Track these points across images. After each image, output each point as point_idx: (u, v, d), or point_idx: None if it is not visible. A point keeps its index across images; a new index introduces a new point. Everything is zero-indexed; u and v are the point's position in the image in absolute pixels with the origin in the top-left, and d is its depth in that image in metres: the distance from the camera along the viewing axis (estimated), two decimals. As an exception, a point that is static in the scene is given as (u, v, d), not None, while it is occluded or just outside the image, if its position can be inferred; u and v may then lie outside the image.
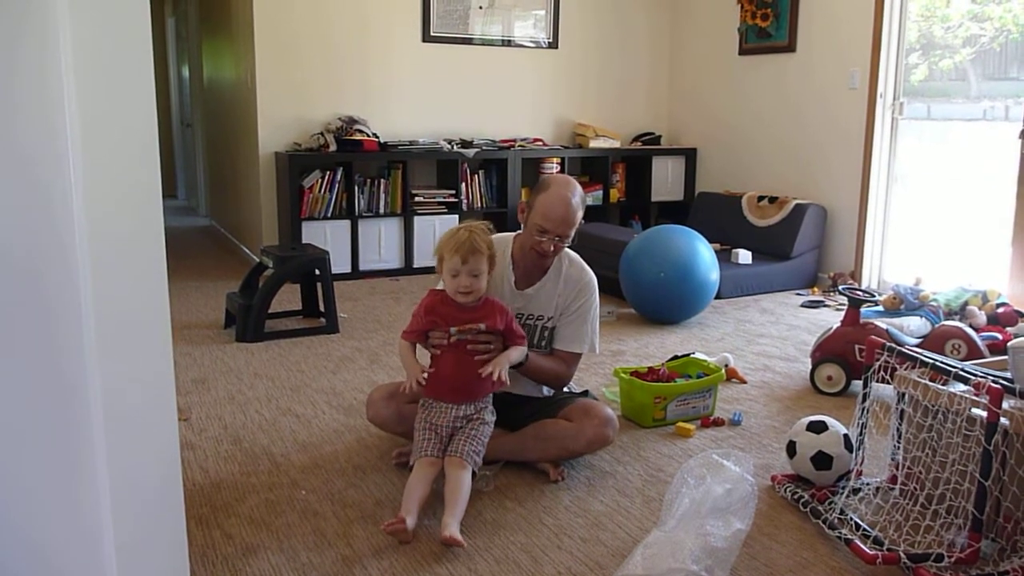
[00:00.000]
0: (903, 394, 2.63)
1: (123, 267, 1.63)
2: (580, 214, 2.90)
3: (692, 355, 3.78)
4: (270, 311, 4.61)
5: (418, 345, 2.75)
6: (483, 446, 2.68)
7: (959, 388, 2.43)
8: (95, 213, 1.57)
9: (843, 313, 3.87)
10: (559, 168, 6.74)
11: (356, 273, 6.12)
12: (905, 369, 2.59)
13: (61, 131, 1.51)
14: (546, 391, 3.06)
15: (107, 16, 1.57)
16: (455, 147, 6.43)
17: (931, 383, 2.50)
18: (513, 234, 3.03)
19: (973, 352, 3.67)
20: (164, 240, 1.70)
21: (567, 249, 3.01)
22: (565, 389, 3.12)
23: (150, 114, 1.63)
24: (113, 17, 1.58)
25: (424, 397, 2.73)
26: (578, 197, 2.90)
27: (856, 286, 5.38)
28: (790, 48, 6.27)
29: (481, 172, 6.63)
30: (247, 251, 6.81)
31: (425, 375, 2.65)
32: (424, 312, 2.72)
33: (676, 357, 3.82)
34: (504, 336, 2.73)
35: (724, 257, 5.66)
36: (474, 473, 2.63)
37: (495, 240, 3.04)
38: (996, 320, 4.51)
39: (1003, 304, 4.60)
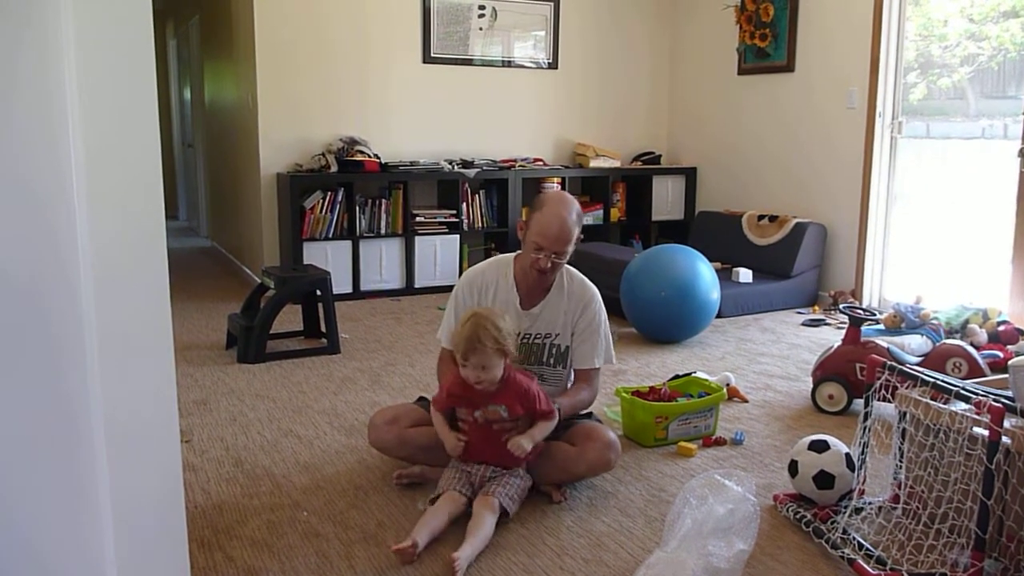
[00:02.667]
0: (904, 413, 2.63)
1: (126, 288, 1.64)
2: (577, 231, 2.91)
3: (693, 374, 3.78)
4: (272, 332, 4.62)
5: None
6: (518, 494, 2.70)
7: (960, 407, 2.43)
8: (99, 235, 1.58)
9: (844, 332, 3.87)
10: (559, 187, 6.76)
11: (357, 293, 6.13)
12: (906, 388, 2.59)
13: (65, 153, 1.52)
14: None
15: (111, 39, 1.58)
16: (456, 167, 6.46)
17: (932, 402, 2.50)
18: (514, 254, 3.05)
19: (974, 370, 3.67)
20: (167, 262, 1.71)
21: (567, 266, 3.03)
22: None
23: (154, 137, 1.64)
24: (117, 40, 1.59)
25: (460, 457, 2.76)
26: (575, 214, 2.92)
27: (857, 304, 5.39)
28: (789, 68, 6.30)
29: (482, 192, 6.65)
30: (248, 272, 6.82)
31: (462, 443, 2.70)
32: (448, 392, 2.76)
33: (677, 376, 3.82)
34: (529, 416, 2.74)
35: (725, 276, 5.67)
36: (505, 517, 2.62)
37: (498, 261, 3.07)
38: (997, 338, 4.51)
39: (1004, 322, 4.61)
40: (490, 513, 2.57)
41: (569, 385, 3.07)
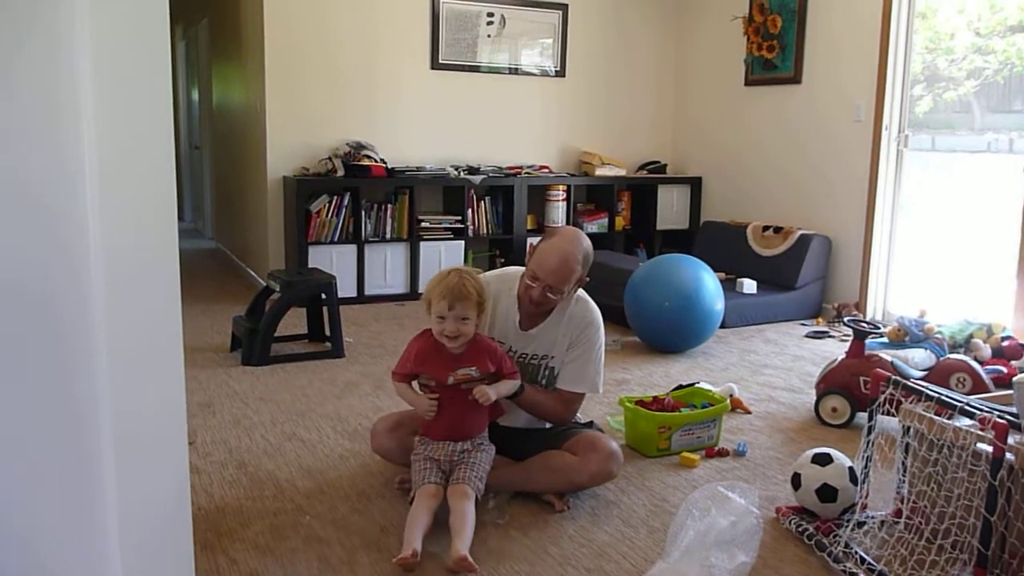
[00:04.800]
0: (908, 428, 2.64)
1: (138, 295, 1.65)
2: (580, 271, 2.86)
3: (697, 385, 3.78)
4: (276, 335, 4.63)
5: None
6: (485, 472, 2.72)
7: (964, 423, 2.44)
8: (111, 240, 1.59)
9: (848, 344, 3.88)
10: (564, 195, 6.78)
11: (362, 298, 6.14)
12: (910, 402, 2.59)
13: (78, 158, 1.52)
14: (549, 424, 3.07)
15: (126, 45, 1.59)
16: (462, 173, 6.47)
17: (936, 417, 2.50)
18: (520, 272, 2.99)
19: (978, 386, 3.66)
20: (179, 267, 1.72)
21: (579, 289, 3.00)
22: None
23: (168, 144, 1.65)
24: (132, 46, 1.60)
25: (421, 435, 2.76)
26: (581, 254, 2.87)
27: (861, 317, 5.39)
28: (796, 80, 6.31)
29: (487, 199, 6.66)
30: (254, 274, 6.84)
31: (433, 403, 2.69)
32: (414, 358, 2.75)
33: (681, 387, 3.83)
34: (497, 375, 2.77)
35: (729, 286, 5.67)
36: (478, 499, 2.64)
37: (504, 274, 3.05)
38: (1001, 353, 4.52)
39: (1008, 337, 4.61)
40: (466, 501, 2.58)
41: None
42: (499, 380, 2.76)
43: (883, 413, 2.67)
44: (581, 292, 3.02)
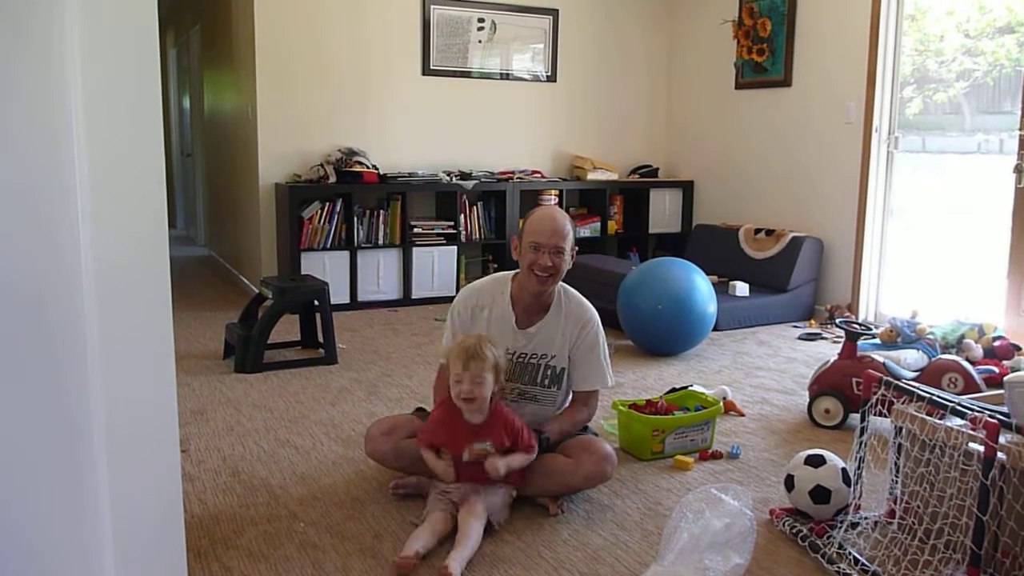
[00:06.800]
0: (900, 428, 2.64)
1: (129, 300, 1.65)
2: (570, 229, 2.93)
3: (690, 388, 3.79)
4: (269, 342, 4.62)
5: None
6: (503, 504, 2.74)
7: (956, 422, 2.44)
8: (101, 246, 1.59)
9: (840, 346, 3.88)
10: (557, 200, 6.79)
11: (355, 304, 6.14)
12: (902, 403, 2.60)
13: (69, 164, 1.52)
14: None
15: (116, 51, 1.59)
16: (454, 179, 6.48)
17: (928, 417, 2.51)
18: (512, 273, 3.04)
19: (970, 386, 3.68)
20: (169, 273, 1.72)
21: (566, 286, 3.03)
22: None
23: (158, 149, 1.65)
24: (122, 53, 1.60)
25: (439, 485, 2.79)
26: (566, 217, 2.96)
27: (853, 319, 5.41)
28: (786, 83, 6.33)
29: (480, 204, 6.67)
30: (246, 281, 6.83)
31: (451, 469, 2.72)
32: (434, 428, 2.79)
33: (674, 390, 3.83)
34: (513, 449, 2.77)
35: (721, 289, 5.68)
36: (491, 527, 2.65)
37: (496, 278, 3.08)
38: (992, 353, 4.53)
39: (999, 337, 4.62)
40: (476, 520, 2.58)
41: (565, 404, 3.08)
42: (514, 453, 2.76)
43: (876, 414, 2.68)
44: (573, 290, 3.07)
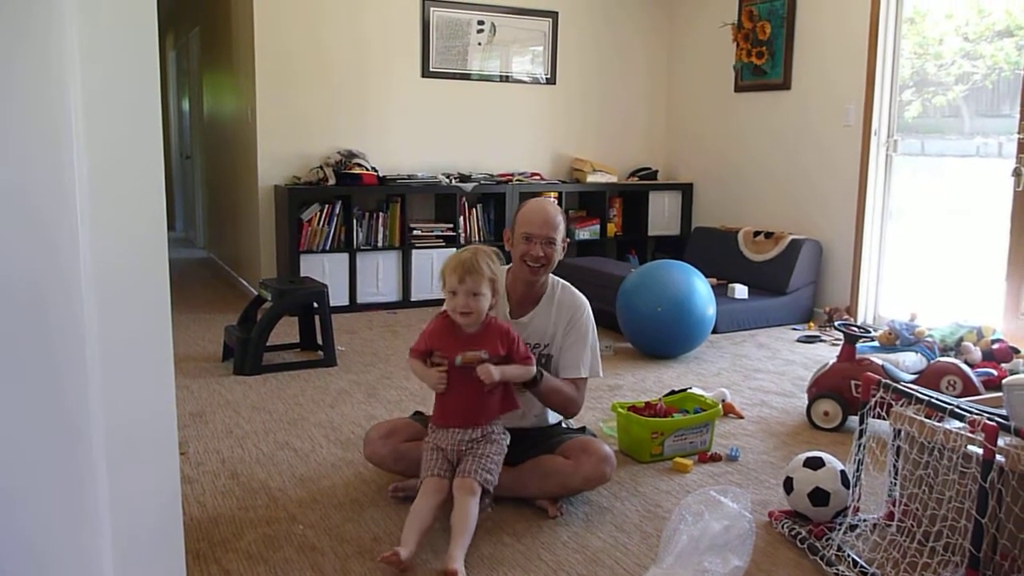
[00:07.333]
0: (899, 431, 2.65)
1: (128, 302, 1.65)
2: (561, 220, 2.97)
3: (689, 390, 3.79)
4: (268, 344, 4.63)
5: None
6: (495, 464, 2.66)
7: (955, 425, 2.45)
8: (101, 248, 1.59)
9: (839, 348, 3.89)
10: (556, 202, 6.76)
11: (354, 306, 6.14)
12: (901, 406, 2.60)
13: (68, 165, 1.52)
14: (551, 418, 3.08)
15: (115, 53, 1.59)
16: (453, 181, 6.48)
17: (927, 420, 2.52)
18: (506, 267, 3.05)
19: (968, 388, 3.68)
20: (168, 276, 1.72)
21: (558, 278, 3.05)
22: (563, 424, 3.13)
23: (157, 150, 1.65)
24: (121, 55, 1.60)
25: (431, 424, 2.74)
26: (556, 207, 3.02)
27: (852, 321, 5.41)
28: (785, 86, 6.34)
29: (479, 206, 6.67)
30: (245, 284, 6.83)
31: (443, 376, 2.64)
32: (427, 335, 2.74)
33: (673, 392, 3.83)
34: (508, 359, 2.72)
35: (720, 292, 5.69)
36: (485, 492, 2.61)
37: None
38: (991, 356, 4.53)
39: (998, 340, 4.63)
40: (471, 497, 2.55)
41: None
42: (510, 363, 2.72)
43: (874, 416, 2.68)
44: (566, 282, 3.09)
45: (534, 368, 2.77)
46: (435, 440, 2.70)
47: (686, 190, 7.36)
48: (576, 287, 3.12)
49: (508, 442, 2.75)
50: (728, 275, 6.22)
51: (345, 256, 6.12)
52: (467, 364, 2.62)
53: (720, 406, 3.65)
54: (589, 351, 3.02)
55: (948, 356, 4.41)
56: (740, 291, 5.84)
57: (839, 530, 2.62)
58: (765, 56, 6.42)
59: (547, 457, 2.89)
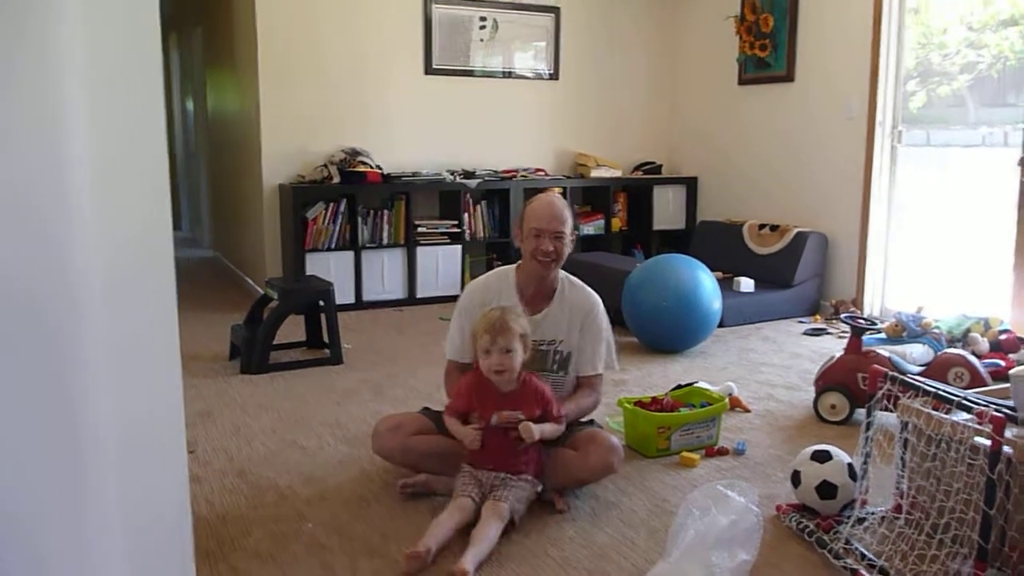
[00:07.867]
0: (906, 423, 2.64)
1: (134, 302, 1.65)
2: (568, 214, 3.01)
3: (695, 384, 3.79)
4: (274, 343, 4.63)
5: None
6: (525, 499, 2.73)
7: (962, 417, 2.44)
8: (106, 248, 1.59)
9: (846, 341, 3.88)
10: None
11: (359, 304, 6.14)
12: (908, 398, 2.60)
13: (69, 167, 1.52)
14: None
15: (118, 52, 1.59)
16: (458, 178, 6.48)
17: (934, 412, 2.51)
18: (515, 265, 3.08)
19: (976, 380, 3.67)
20: (174, 276, 1.72)
21: (568, 275, 3.07)
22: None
23: (161, 149, 1.65)
24: (124, 54, 1.60)
25: (466, 464, 2.78)
26: (563, 201, 3.05)
27: (858, 314, 5.40)
28: (789, 78, 6.32)
29: (484, 203, 6.67)
30: (251, 283, 6.83)
31: (478, 435, 2.71)
32: (464, 395, 2.80)
33: (679, 386, 3.83)
34: (543, 419, 2.79)
35: (726, 286, 5.68)
36: (513, 524, 2.65)
37: (499, 271, 3.12)
38: (999, 347, 4.52)
39: (1005, 331, 4.61)
40: (497, 520, 2.58)
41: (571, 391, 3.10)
42: (545, 422, 2.78)
43: (882, 409, 2.68)
44: (576, 278, 3.13)
45: (564, 426, 2.86)
46: (472, 471, 2.76)
47: (690, 184, 7.35)
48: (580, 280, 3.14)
49: (540, 490, 2.83)
50: (734, 269, 6.20)
51: (350, 254, 6.13)
52: (503, 424, 2.70)
53: (727, 400, 3.65)
54: (604, 346, 3.08)
55: (955, 347, 4.40)
56: (746, 284, 5.84)
57: (847, 523, 2.61)
58: (768, 48, 6.41)
59: (555, 449, 2.90)
